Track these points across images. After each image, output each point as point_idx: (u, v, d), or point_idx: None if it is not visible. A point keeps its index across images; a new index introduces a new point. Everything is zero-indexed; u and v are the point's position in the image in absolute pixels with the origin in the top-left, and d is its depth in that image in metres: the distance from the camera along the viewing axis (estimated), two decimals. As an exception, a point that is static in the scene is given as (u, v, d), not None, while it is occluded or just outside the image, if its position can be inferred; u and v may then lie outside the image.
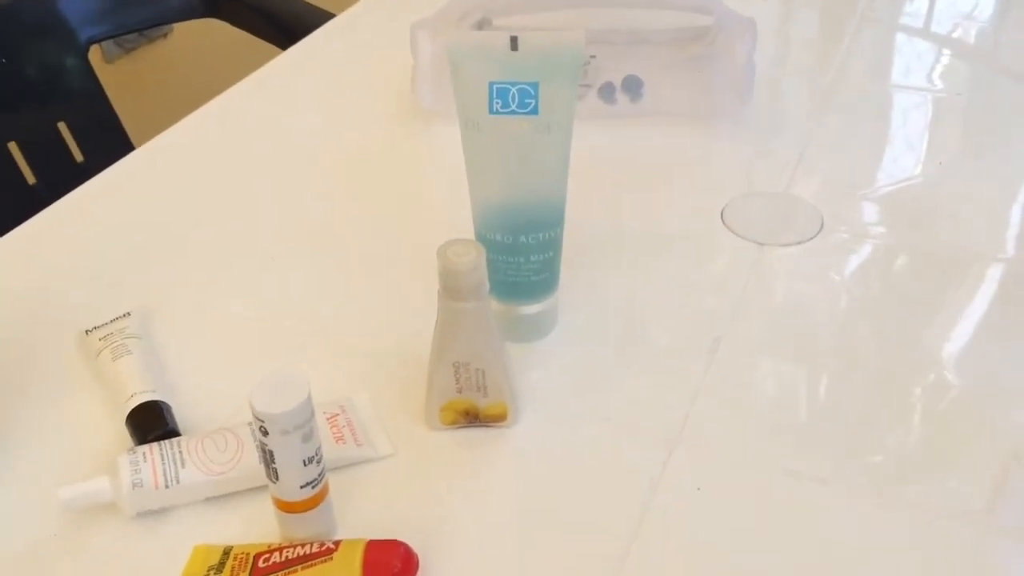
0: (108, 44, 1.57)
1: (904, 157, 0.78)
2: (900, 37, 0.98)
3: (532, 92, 0.52)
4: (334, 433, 0.52)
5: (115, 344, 0.56)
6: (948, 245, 0.67)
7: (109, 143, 1.10)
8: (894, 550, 0.46)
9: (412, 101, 0.82)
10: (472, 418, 0.53)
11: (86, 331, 0.59)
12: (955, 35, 0.97)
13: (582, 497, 0.49)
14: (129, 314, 0.60)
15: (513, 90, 0.52)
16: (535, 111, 0.53)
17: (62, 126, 1.09)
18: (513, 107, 0.53)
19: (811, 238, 0.67)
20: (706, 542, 0.47)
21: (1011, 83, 0.89)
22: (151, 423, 0.51)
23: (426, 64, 0.80)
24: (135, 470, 0.47)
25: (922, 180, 0.74)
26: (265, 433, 0.43)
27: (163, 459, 0.48)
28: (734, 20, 0.79)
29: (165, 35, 1.70)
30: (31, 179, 1.07)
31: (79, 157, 1.10)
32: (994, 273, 0.64)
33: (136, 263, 0.68)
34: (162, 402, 0.52)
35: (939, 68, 0.92)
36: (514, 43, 0.53)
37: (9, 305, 0.64)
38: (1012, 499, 0.49)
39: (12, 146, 1.05)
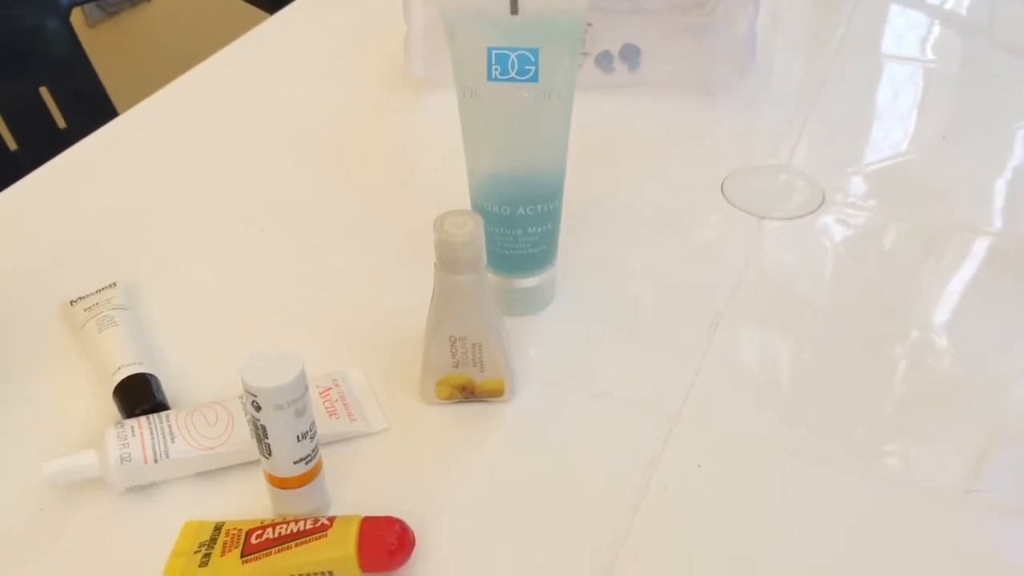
0: (91, 7, 1.53)
1: (905, 130, 0.77)
2: (898, 8, 0.97)
3: (532, 59, 0.51)
4: (327, 407, 0.50)
5: (101, 315, 0.55)
6: (947, 219, 0.66)
7: (92, 109, 1.07)
8: (893, 524, 0.46)
9: (404, 69, 0.80)
10: (468, 393, 0.52)
11: (71, 301, 0.57)
12: (949, 6, 0.96)
13: (581, 473, 0.49)
14: (115, 284, 0.58)
15: (512, 56, 0.51)
16: (535, 78, 0.51)
17: (44, 91, 1.06)
18: (512, 74, 0.51)
19: (812, 211, 0.66)
20: (706, 518, 0.46)
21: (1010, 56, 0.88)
22: (139, 396, 0.50)
23: (419, 30, 0.78)
24: (123, 444, 0.46)
25: (923, 154, 0.73)
26: (258, 408, 0.41)
27: (152, 433, 0.47)
28: (735, -12, 0.77)
29: (149, -1, 1.66)
30: (12, 145, 1.05)
31: (62, 123, 1.07)
32: (982, 245, 0.64)
33: (121, 233, 0.66)
34: (150, 375, 0.51)
35: (937, 40, 0.90)
36: (514, 6, 0.51)
37: (-9, 274, 0.62)
38: (998, 470, 0.49)
39: (-7, 111, 1.03)
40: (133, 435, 0.47)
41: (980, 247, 0.64)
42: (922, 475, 0.48)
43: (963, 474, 0.48)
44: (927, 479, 0.48)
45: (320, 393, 0.51)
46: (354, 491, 0.48)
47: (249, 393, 0.41)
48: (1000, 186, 0.69)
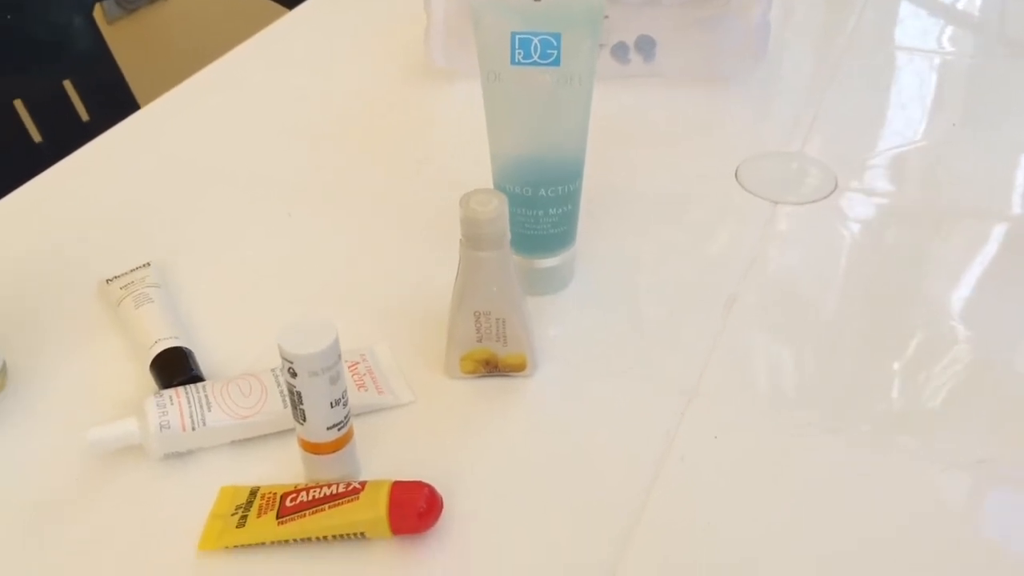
0: (109, 4, 1.55)
1: (916, 118, 0.78)
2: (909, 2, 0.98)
3: (555, 43, 0.52)
4: (356, 381, 0.52)
5: (136, 292, 0.57)
6: (959, 205, 0.68)
7: (115, 102, 1.09)
8: (907, 494, 0.47)
9: (424, 58, 0.82)
10: (492, 367, 0.54)
11: (106, 280, 0.59)
12: (961, 2, 0.97)
13: (600, 445, 0.50)
14: (148, 264, 0.60)
15: (535, 41, 0.53)
16: (557, 62, 0.53)
17: (68, 84, 1.08)
18: (535, 58, 0.53)
19: (824, 197, 0.68)
20: (723, 489, 0.48)
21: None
22: (176, 368, 0.52)
23: (440, 21, 0.80)
24: (162, 412, 0.48)
25: (934, 141, 0.75)
26: (293, 375, 0.43)
27: (189, 402, 0.49)
28: (748, -20, 0.79)
29: (167, -4, 1.69)
30: (37, 137, 1.07)
31: (85, 116, 1.10)
32: (994, 229, 0.65)
33: (150, 218, 0.68)
34: (186, 348, 0.53)
35: (948, 32, 0.92)
36: (537, -7, 0.53)
37: (26, 258, 0.64)
38: (1014, 450, 0.50)
39: (18, 104, 1.05)
40: (171, 404, 0.48)
41: (991, 231, 0.65)
42: (936, 449, 0.50)
43: (977, 448, 0.49)
44: (941, 453, 0.49)
45: (349, 367, 0.53)
46: (382, 460, 0.49)
47: (286, 360, 0.43)
48: (1012, 173, 0.71)
